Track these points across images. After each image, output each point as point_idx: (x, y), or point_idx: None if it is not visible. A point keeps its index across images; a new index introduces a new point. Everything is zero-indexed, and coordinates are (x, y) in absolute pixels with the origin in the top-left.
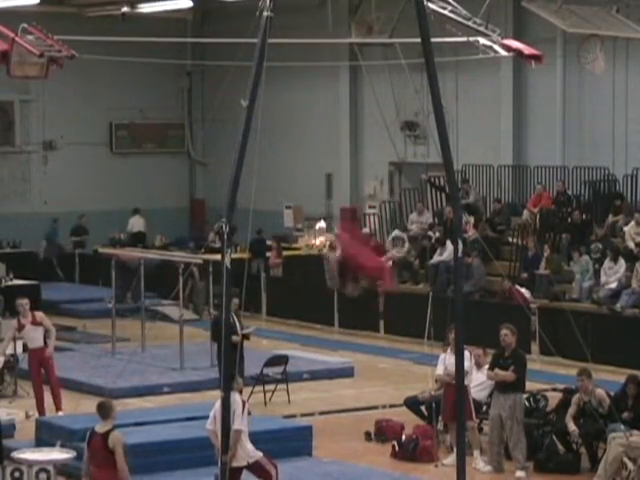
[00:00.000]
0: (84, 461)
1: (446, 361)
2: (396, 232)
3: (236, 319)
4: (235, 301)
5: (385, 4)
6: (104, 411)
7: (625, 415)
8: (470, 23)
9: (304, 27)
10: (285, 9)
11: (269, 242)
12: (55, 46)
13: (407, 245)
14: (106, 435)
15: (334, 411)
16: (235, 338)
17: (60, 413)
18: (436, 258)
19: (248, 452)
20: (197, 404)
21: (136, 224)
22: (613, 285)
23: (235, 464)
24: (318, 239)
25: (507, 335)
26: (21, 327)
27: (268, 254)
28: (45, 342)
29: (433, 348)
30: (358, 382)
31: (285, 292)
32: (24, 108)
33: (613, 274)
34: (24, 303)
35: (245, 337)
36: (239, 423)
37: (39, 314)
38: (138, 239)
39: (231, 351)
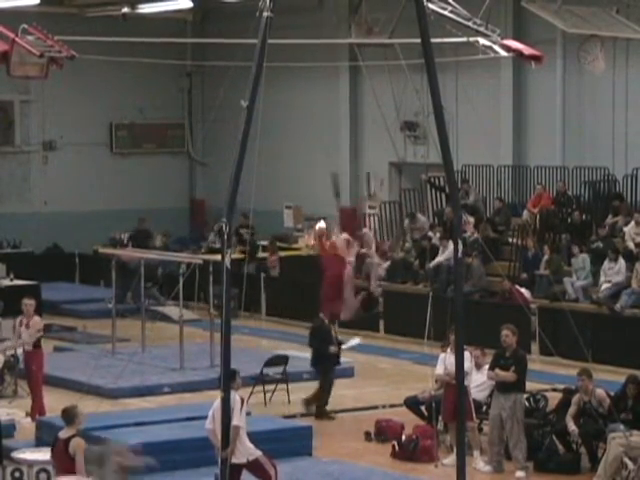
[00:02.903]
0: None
1: (446, 361)
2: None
3: (332, 329)
4: None
5: (385, 4)
6: (68, 417)
7: (623, 416)
8: (470, 23)
9: (304, 27)
10: (285, 9)
11: (265, 242)
12: (55, 46)
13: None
14: (68, 441)
15: (334, 411)
16: (332, 349)
17: (28, 419)
18: (437, 259)
19: (248, 449)
20: (197, 404)
21: None
22: (611, 285)
23: (235, 460)
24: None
25: (508, 336)
26: (20, 324)
27: (264, 254)
28: (34, 345)
29: (433, 348)
30: (358, 382)
31: (285, 292)
32: (24, 108)
33: (613, 274)
34: (28, 304)
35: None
36: (237, 419)
37: (35, 319)
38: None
39: (329, 361)
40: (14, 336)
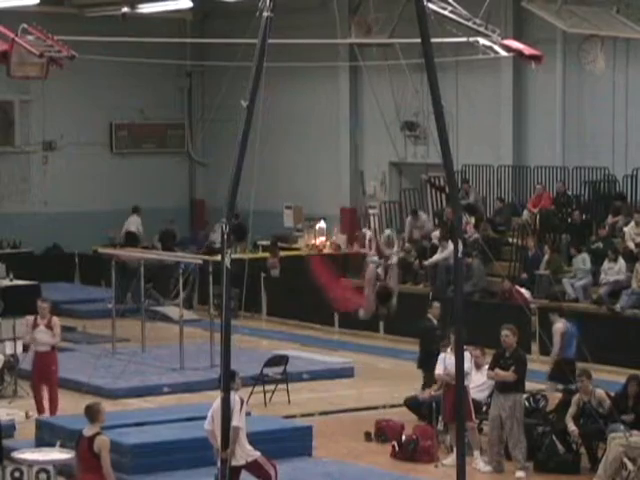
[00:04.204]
0: (75, 464)
1: (446, 361)
2: (387, 231)
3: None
4: (436, 305)
5: (385, 4)
6: (91, 414)
7: (624, 417)
8: (470, 23)
9: (304, 27)
10: (285, 9)
11: (266, 242)
12: (55, 46)
13: (396, 245)
14: (92, 439)
15: (334, 411)
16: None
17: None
18: (434, 257)
19: (247, 451)
20: (197, 404)
21: (132, 224)
22: (611, 280)
23: (234, 463)
24: (318, 239)
25: (508, 336)
26: (35, 326)
27: (264, 254)
28: (52, 347)
29: None
30: (358, 382)
31: (285, 292)
32: (24, 108)
33: (613, 274)
34: (44, 306)
35: None
36: (237, 420)
37: (55, 319)
38: (130, 239)
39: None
40: (26, 336)
